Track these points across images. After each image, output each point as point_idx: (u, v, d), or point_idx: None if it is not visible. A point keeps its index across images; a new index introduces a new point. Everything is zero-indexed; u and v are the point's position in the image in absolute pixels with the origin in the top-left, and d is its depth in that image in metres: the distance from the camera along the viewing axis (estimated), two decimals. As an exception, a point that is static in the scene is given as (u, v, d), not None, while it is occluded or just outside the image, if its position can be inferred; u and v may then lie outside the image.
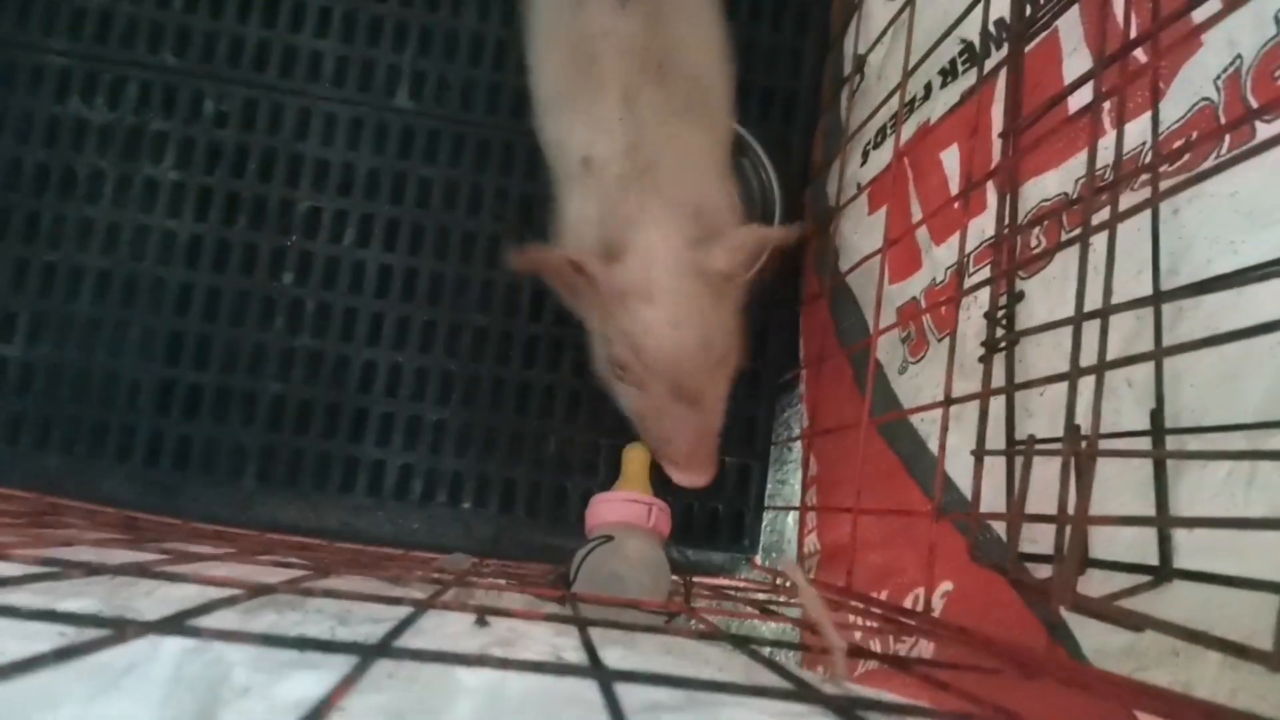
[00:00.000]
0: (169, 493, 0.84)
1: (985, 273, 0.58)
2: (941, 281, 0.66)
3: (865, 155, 0.81)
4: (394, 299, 0.88)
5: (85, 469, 0.83)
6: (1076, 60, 0.55)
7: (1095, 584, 0.43)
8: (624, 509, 0.65)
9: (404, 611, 0.30)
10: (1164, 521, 0.41)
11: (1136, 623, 0.37)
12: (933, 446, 0.64)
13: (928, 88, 0.71)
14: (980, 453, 0.53)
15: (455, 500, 0.87)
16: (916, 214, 0.70)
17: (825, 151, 0.91)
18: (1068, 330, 0.45)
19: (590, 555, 0.59)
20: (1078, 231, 0.46)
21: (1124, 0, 0.48)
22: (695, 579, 0.66)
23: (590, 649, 0.29)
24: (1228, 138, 0.43)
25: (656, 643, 0.42)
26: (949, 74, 0.69)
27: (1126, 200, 0.44)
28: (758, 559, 0.90)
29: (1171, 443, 0.42)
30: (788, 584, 0.72)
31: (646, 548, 0.61)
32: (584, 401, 0.89)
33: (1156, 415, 0.43)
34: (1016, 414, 0.54)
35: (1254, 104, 0.42)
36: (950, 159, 0.67)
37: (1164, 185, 0.40)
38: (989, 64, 0.60)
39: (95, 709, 0.28)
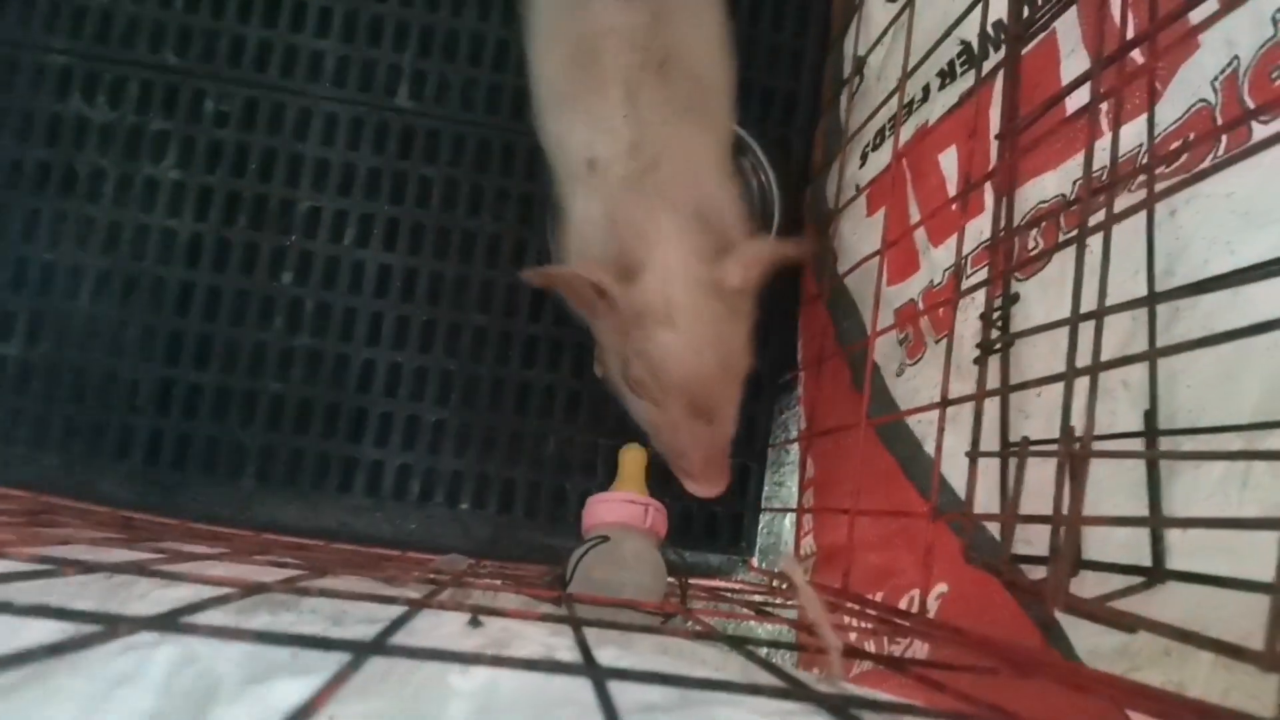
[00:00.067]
0: (167, 492, 0.84)
1: (983, 274, 0.58)
2: (939, 283, 0.66)
3: (864, 157, 0.81)
4: (393, 299, 0.88)
5: (83, 468, 0.83)
6: (1074, 62, 0.55)
7: (1089, 585, 0.43)
8: (621, 509, 0.65)
9: (398, 611, 0.30)
10: (1156, 522, 0.41)
11: (1129, 623, 0.37)
12: (929, 448, 0.64)
13: (926, 89, 0.71)
14: (975, 454, 0.53)
15: (453, 501, 0.87)
16: (915, 216, 0.70)
17: (825, 152, 0.91)
18: (1064, 332, 0.45)
19: (586, 556, 0.59)
20: (1074, 233, 0.46)
21: (1121, 1, 0.48)
22: (692, 580, 0.66)
23: (584, 648, 0.29)
24: (1225, 139, 0.43)
25: (652, 643, 0.42)
26: (947, 76, 0.69)
27: (1124, 201, 0.44)
28: (754, 561, 0.90)
29: (1166, 444, 0.42)
30: (784, 585, 0.72)
31: (643, 548, 0.61)
32: (583, 402, 0.89)
33: (1150, 416, 0.43)
34: (1014, 416, 0.54)
35: (1251, 105, 0.42)
36: (948, 161, 0.67)
37: (1160, 186, 0.40)
38: (987, 65, 0.60)
39: (85, 723, 0.28)
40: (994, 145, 0.59)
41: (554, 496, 0.88)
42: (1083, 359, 0.43)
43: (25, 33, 0.87)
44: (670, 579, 0.62)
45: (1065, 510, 0.42)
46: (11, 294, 0.84)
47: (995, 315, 0.55)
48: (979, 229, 0.61)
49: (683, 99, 0.64)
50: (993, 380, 0.54)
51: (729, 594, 0.66)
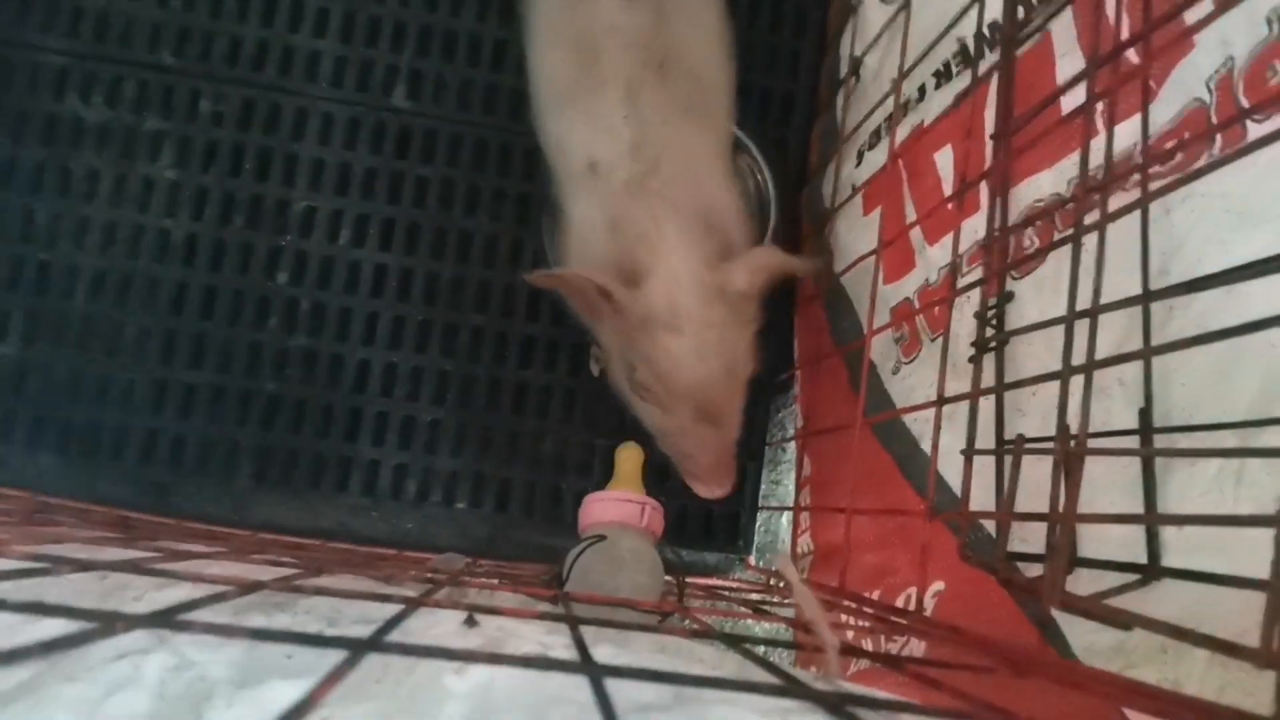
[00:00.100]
0: (163, 492, 0.84)
1: (979, 273, 0.58)
2: (935, 282, 0.67)
3: (860, 156, 0.81)
4: (389, 299, 0.88)
5: (79, 468, 0.83)
6: (1069, 62, 0.55)
7: (1085, 583, 0.43)
8: (617, 508, 0.65)
9: (394, 611, 0.30)
10: (1152, 519, 0.41)
11: (1125, 621, 0.37)
12: (926, 447, 0.65)
13: (922, 89, 0.71)
14: (970, 452, 0.53)
15: (450, 500, 0.87)
16: (911, 215, 0.70)
17: (821, 152, 0.91)
18: (1059, 330, 0.45)
19: (583, 554, 0.59)
20: (1069, 232, 0.46)
21: (1115, 2, 0.49)
22: (689, 579, 0.66)
23: (581, 646, 0.29)
24: (1219, 138, 0.43)
25: (649, 641, 0.42)
26: (943, 76, 0.69)
27: (1119, 201, 0.45)
28: (751, 559, 0.90)
29: (1161, 441, 0.42)
30: (781, 584, 0.72)
31: (640, 547, 0.61)
32: (579, 402, 0.89)
33: (1145, 414, 0.43)
34: (1010, 414, 0.54)
35: (1246, 104, 0.42)
36: (944, 160, 0.67)
37: (1155, 185, 0.40)
38: (983, 66, 0.60)
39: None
40: (989, 145, 0.59)
41: (550, 496, 0.88)
42: (1078, 357, 0.43)
43: (21, 32, 0.87)
44: (667, 578, 0.62)
45: (1061, 508, 0.42)
46: (7, 293, 0.84)
47: (991, 314, 0.56)
48: (974, 228, 0.61)
49: (683, 99, 0.64)
50: (988, 378, 0.54)
51: (726, 592, 0.66)
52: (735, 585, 0.76)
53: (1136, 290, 0.44)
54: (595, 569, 0.58)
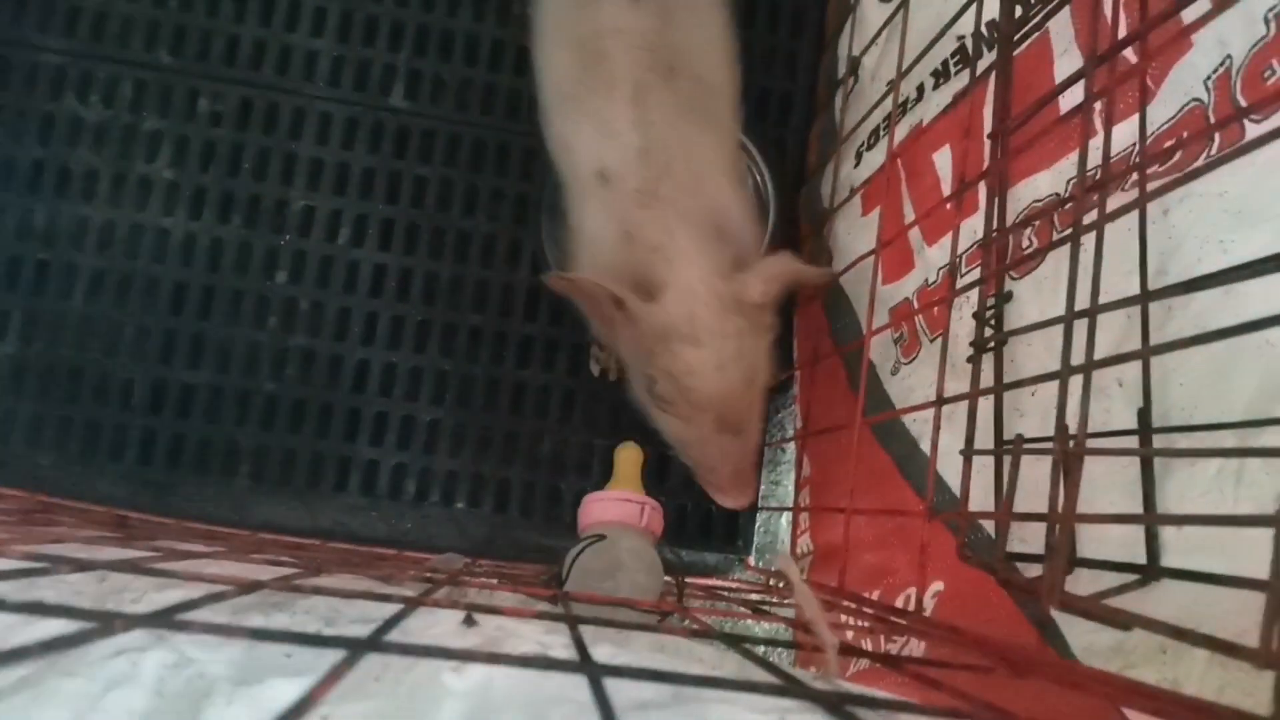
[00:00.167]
0: (162, 492, 0.84)
1: (977, 273, 0.58)
2: (934, 282, 0.67)
3: (859, 157, 0.81)
4: (388, 299, 0.88)
5: (78, 467, 0.83)
6: (1067, 61, 0.55)
7: (1085, 583, 0.43)
8: (616, 508, 0.65)
9: (392, 610, 0.29)
10: (1151, 519, 0.41)
11: (1124, 621, 0.37)
12: (925, 447, 0.65)
13: (921, 89, 0.71)
14: (969, 452, 0.53)
15: (449, 500, 0.87)
16: (909, 215, 0.70)
17: (820, 153, 0.91)
18: (1058, 330, 0.45)
19: (582, 554, 0.59)
20: (1068, 232, 0.46)
21: (1114, 1, 0.49)
22: (688, 579, 0.66)
23: (580, 645, 0.29)
24: (1217, 138, 0.43)
25: (648, 641, 0.42)
26: (941, 75, 0.69)
27: (1117, 200, 0.45)
28: (751, 560, 0.90)
29: (1160, 441, 0.42)
30: (781, 584, 0.72)
31: (639, 547, 0.61)
32: (578, 401, 0.89)
33: (1144, 414, 0.43)
34: (1009, 415, 0.54)
35: (1244, 104, 0.42)
36: (943, 160, 0.67)
37: (1153, 185, 0.40)
38: (981, 65, 0.60)
39: (76, 732, 0.28)
40: (988, 144, 0.59)
41: (549, 496, 0.88)
42: (1077, 357, 0.43)
43: (18, 31, 0.86)
44: (667, 578, 0.62)
45: (1060, 508, 0.42)
46: (6, 292, 0.84)
47: (989, 314, 0.56)
48: (973, 228, 0.61)
49: (691, 102, 0.63)
50: (987, 379, 0.54)
51: (726, 593, 0.66)
52: (735, 585, 0.76)
53: (1135, 290, 0.44)
54: (594, 569, 0.58)
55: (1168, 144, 0.46)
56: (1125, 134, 0.48)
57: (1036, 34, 0.56)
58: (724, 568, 0.90)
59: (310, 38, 0.90)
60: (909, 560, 0.64)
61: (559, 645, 0.36)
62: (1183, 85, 0.46)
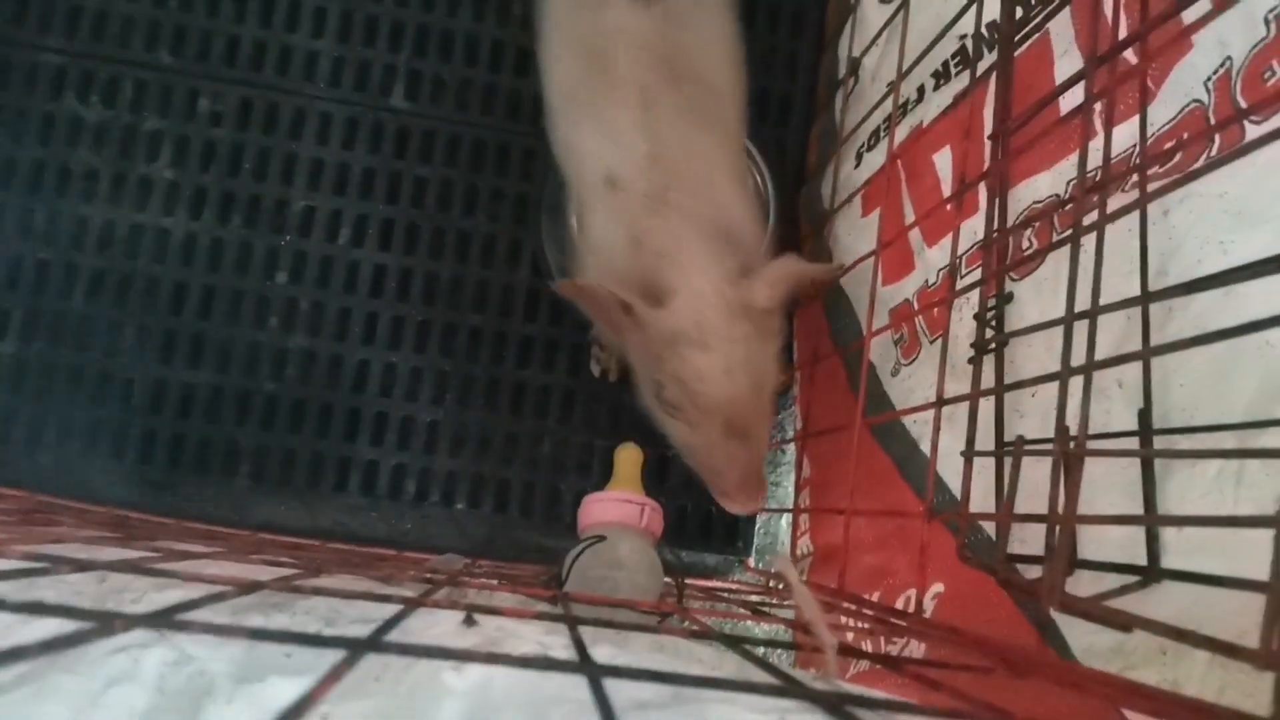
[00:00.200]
0: (162, 491, 0.84)
1: (977, 274, 0.58)
2: (934, 283, 0.67)
3: (859, 158, 0.81)
4: (388, 299, 0.88)
5: (78, 467, 0.83)
6: (1068, 62, 0.55)
7: (1085, 584, 0.43)
8: (616, 509, 0.65)
9: (392, 611, 0.29)
10: (1151, 520, 0.41)
11: (1125, 622, 0.37)
12: (925, 448, 0.65)
13: (921, 90, 0.71)
14: (970, 454, 0.53)
15: (449, 501, 0.87)
16: (909, 216, 0.70)
17: (820, 154, 0.91)
18: (1058, 331, 0.45)
19: (582, 555, 0.59)
20: (1068, 233, 0.46)
21: (1114, 2, 0.49)
22: (688, 581, 0.65)
23: (580, 646, 0.29)
24: (1218, 139, 0.43)
25: (647, 641, 0.42)
26: (942, 76, 0.69)
27: (1117, 201, 0.45)
28: (751, 561, 0.90)
29: (1161, 442, 0.42)
30: (781, 586, 0.72)
31: (639, 548, 0.61)
32: (578, 402, 0.89)
33: (1144, 415, 0.43)
34: (1009, 416, 0.54)
35: (1244, 105, 0.42)
36: (943, 161, 0.67)
37: (1153, 186, 0.40)
38: (981, 66, 0.60)
39: (78, 726, 0.28)
40: (988, 145, 0.59)
41: (549, 496, 0.88)
42: (1077, 358, 0.43)
43: (19, 31, 0.87)
44: (667, 579, 0.62)
45: (1061, 509, 0.42)
46: (6, 292, 0.84)
47: (990, 315, 0.56)
48: (973, 229, 0.61)
49: (697, 107, 0.63)
50: (988, 380, 0.54)
51: (725, 594, 0.66)
52: (734, 587, 0.76)
53: (1134, 291, 0.44)
54: (594, 569, 0.58)
55: (1168, 145, 0.46)
56: (1125, 135, 0.48)
57: (1037, 35, 0.56)
58: (724, 569, 0.90)
59: (311, 38, 0.90)
60: (909, 561, 0.64)
61: (559, 645, 0.36)
62: (1183, 86, 0.46)
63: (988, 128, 0.59)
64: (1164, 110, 0.47)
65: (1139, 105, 0.47)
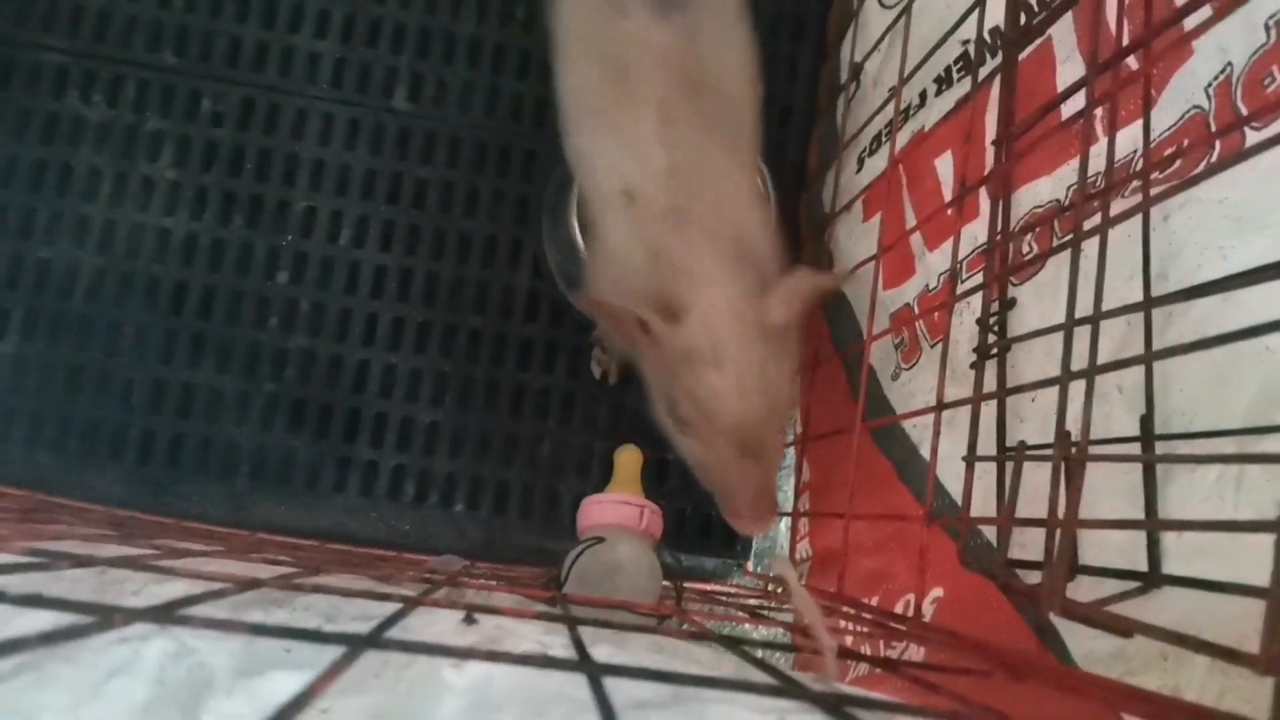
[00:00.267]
0: (161, 491, 0.84)
1: (978, 279, 0.58)
2: (935, 288, 0.67)
3: (860, 162, 0.81)
4: (389, 300, 0.88)
5: (77, 467, 0.83)
6: (1070, 68, 0.55)
7: (1085, 589, 0.43)
8: (616, 511, 0.65)
9: (392, 608, 0.29)
10: (1152, 525, 0.41)
11: (1125, 627, 0.37)
12: (925, 452, 0.65)
13: (923, 95, 0.72)
14: (971, 458, 0.53)
15: (448, 502, 0.87)
16: (910, 220, 0.70)
17: (821, 158, 0.92)
18: (1059, 336, 0.45)
19: (581, 556, 0.59)
20: (1069, 238, 0.46)
21: (1116, 8, 0.49)
22: (687, 584, 0.65)
23: (579, 645, 0.29)
24: (1218, 145, 0.43)
25: (646, 642, 0.42)
26: (944, 81, 0.69)
27: (1118, 206, 0.45)
28: (750, 565, 0.90)
29: (1161, 448, 0.42)
30: (780, 589, 0.72)
31: (638, 550, 0.61)
32: (578, 404, 0.89)
33: (1146, 420, 0.43)
34: (1008, 420, 0.54)
35: (1244, 111, 0.42)
36: (944, 166, 0.67)
37: (1155, 191, 0.40)
38: (983, 71, 0.61)
39: (78, 716, 0.28)
40: (990, 150, 0.59)
41: (549, 498, 0.88)
42: (1078, 363, 0.43)
43: (22, 30, 0.87)
44: (665, 582, 0.62)
45: (1061, 514, 0.42)
46: (7, 291, 0.84)
47: (991, 320, 0.56)
48: (974, 234, 0.61)
49: (715, 120, 0.62)
50: (989, 384, 0.54)
51: (724, 598, 0.66)
52: (733, 591, 0.76)
53: (1134, 296, 0.44)
54: (593, 571, 0.58)
55: (1169, 150, 0.46)
56: (1125, 141, 0.48)
57: (1040, 40, 0.56)
58: (722, 573, 0.90)
59: (313, 39, 0.90)
60: (908, 565, 0.64)
61: (558, 645, 0.36)
62: (1184, 92, 0.46)
63: (989, 133, 0.60)
64: (1165, 116, 0.47)
65: (1141, 111, 0.47)
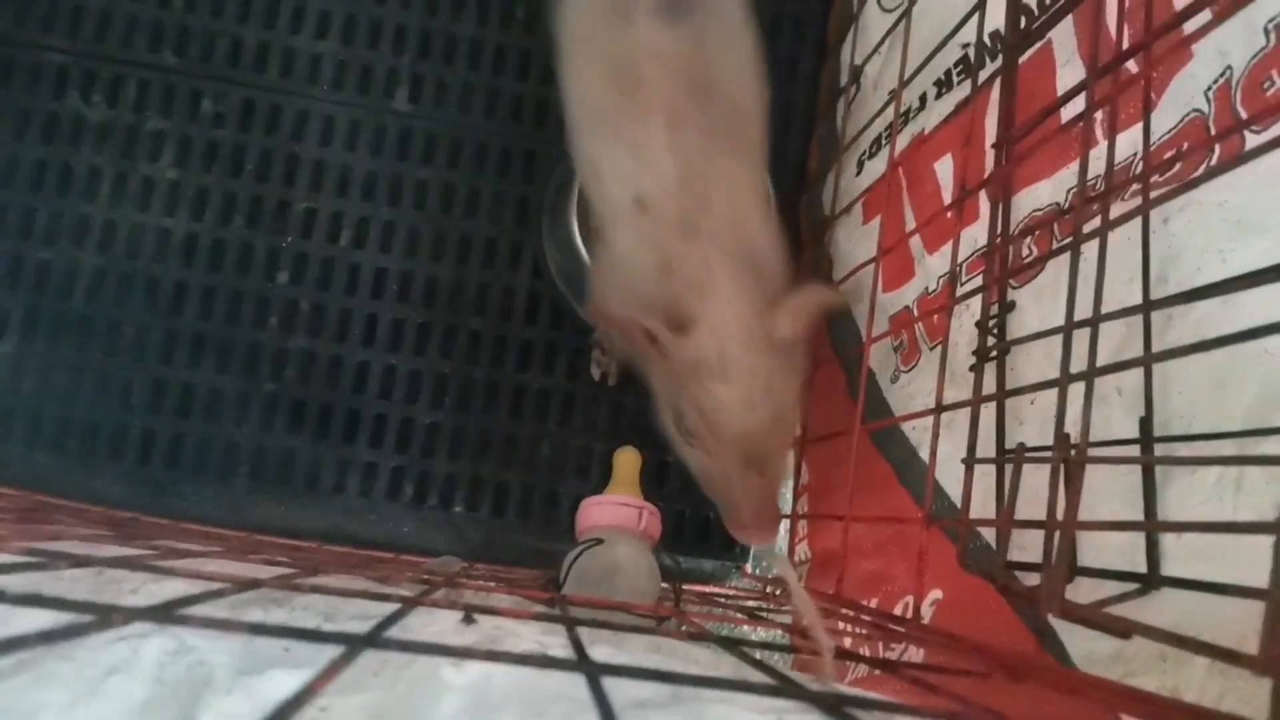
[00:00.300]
0: (160, 491, 0.84)
1: (978, 281, 0.58)
2: (934, 290, 0.67)
3: (860, 165, 0.82)
4: (389, 301, 0.88)
5: (76, 467, 0.83)
6: (1070, 72, 0.55)
7: (1084, 591, 0.43)
8: (614, 512, 0.65)
9: (391, 608, 0.29)
10: (1151, 526, 0.41)
11: (1124, 629, 0.37)
12: (924, 455, 0.65)
13: (923, 98, 0.72)
14: (970, 460, 0.53)
15: (447, 503, 0.87)
16: (910, 223, 0.71)
17: (821, 161, 0.92)
18: (1059, 339, 0.45)
19: (580, 557, 0.59)
20: (1069, 240, 0.46)
21: (1116, 12, 0.49)
22: (685, 586, 0.65)
23: (578, 645, 0.29)
24: (1218, 148, 0.43)
25: (644, 642, 0.42)
26: (944, 85, 0.69)
27: (1118, 209, 0.45)
28: (748, 567, 0.90)
29: (1160, 450, 0.42)
30: (778, 591, 0.72)
31: (637, 551, 0.61)
32: (577, 405, 0.89)
33: (1145, 422, 0.43)
34: (1008, 423, 0.54)
35: (1244, 115, 0.42)
36: (944, 169, 0.67)
37: (1154, 194, 0.40)
38: (983, 75, 0.61)
39: (76, 714, 0.28)
40: (989, 153, 0.59)
41: (548, 500, 0.88)
42: (1077, 365, 0.43)
43: (23, 30, 0.87)
44: (664, 584, 0.62)
45: (1060, 516, 0.42)
46: (7, 291, 0.84)
47: (991, 322, 0.56)
48: (974, 237, 0.61)
49: (724, 127, 0.62)
50: (988, 387, 0.54)
51: (723, 599, 0.66)
52: (732, 593, 0.76)
53: (1134, 299, 0.44)
54: (592, 572, 0.58)
55: (1168, 154, 0.46)
56: (1125, 144, 0.49)
57: (1040, 44, 0.57)
58: (721, 575, 0.90)
59: (314, 40, 0.90)
60: (907, 568, 0.64)
61: (557, 645, 0.36)
62: (1183, 95, 0.46)
63: (989, 136, 0.60)
64: (1164, 120, 0.47)
65: (1141, 114, 0.47)
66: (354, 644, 0.23)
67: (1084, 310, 0.44)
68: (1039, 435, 0.51)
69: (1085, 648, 0.45)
